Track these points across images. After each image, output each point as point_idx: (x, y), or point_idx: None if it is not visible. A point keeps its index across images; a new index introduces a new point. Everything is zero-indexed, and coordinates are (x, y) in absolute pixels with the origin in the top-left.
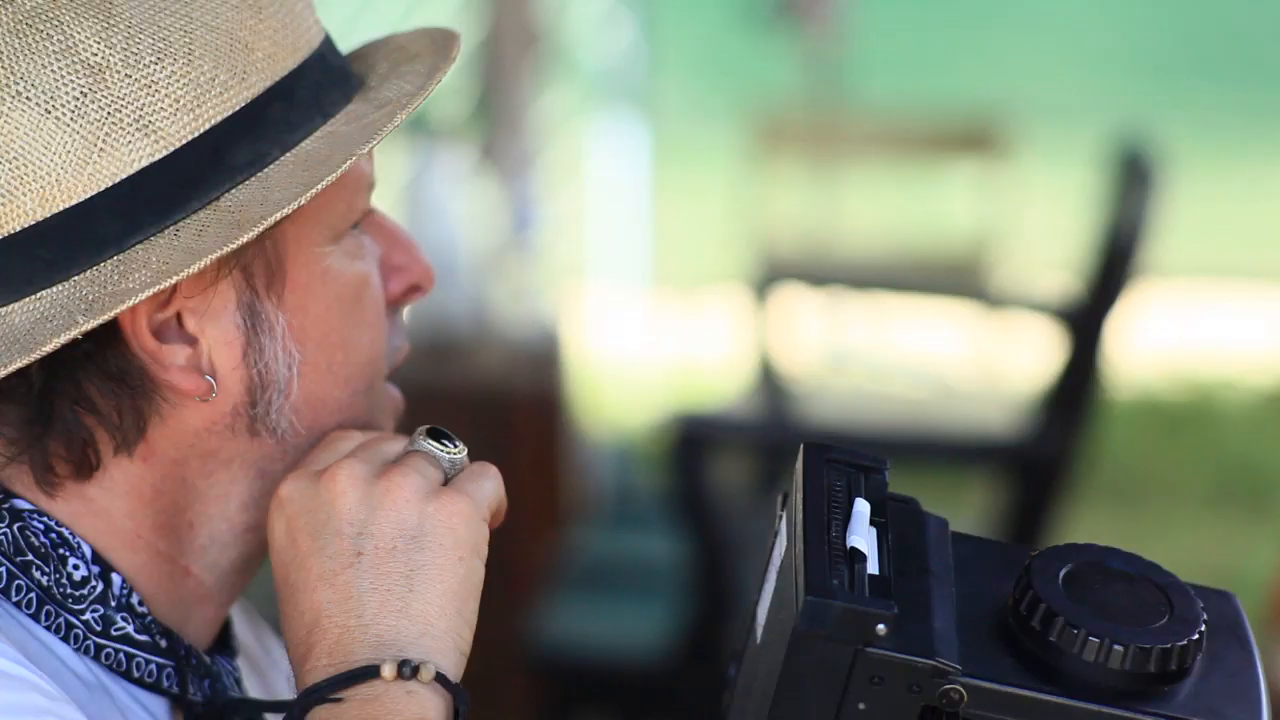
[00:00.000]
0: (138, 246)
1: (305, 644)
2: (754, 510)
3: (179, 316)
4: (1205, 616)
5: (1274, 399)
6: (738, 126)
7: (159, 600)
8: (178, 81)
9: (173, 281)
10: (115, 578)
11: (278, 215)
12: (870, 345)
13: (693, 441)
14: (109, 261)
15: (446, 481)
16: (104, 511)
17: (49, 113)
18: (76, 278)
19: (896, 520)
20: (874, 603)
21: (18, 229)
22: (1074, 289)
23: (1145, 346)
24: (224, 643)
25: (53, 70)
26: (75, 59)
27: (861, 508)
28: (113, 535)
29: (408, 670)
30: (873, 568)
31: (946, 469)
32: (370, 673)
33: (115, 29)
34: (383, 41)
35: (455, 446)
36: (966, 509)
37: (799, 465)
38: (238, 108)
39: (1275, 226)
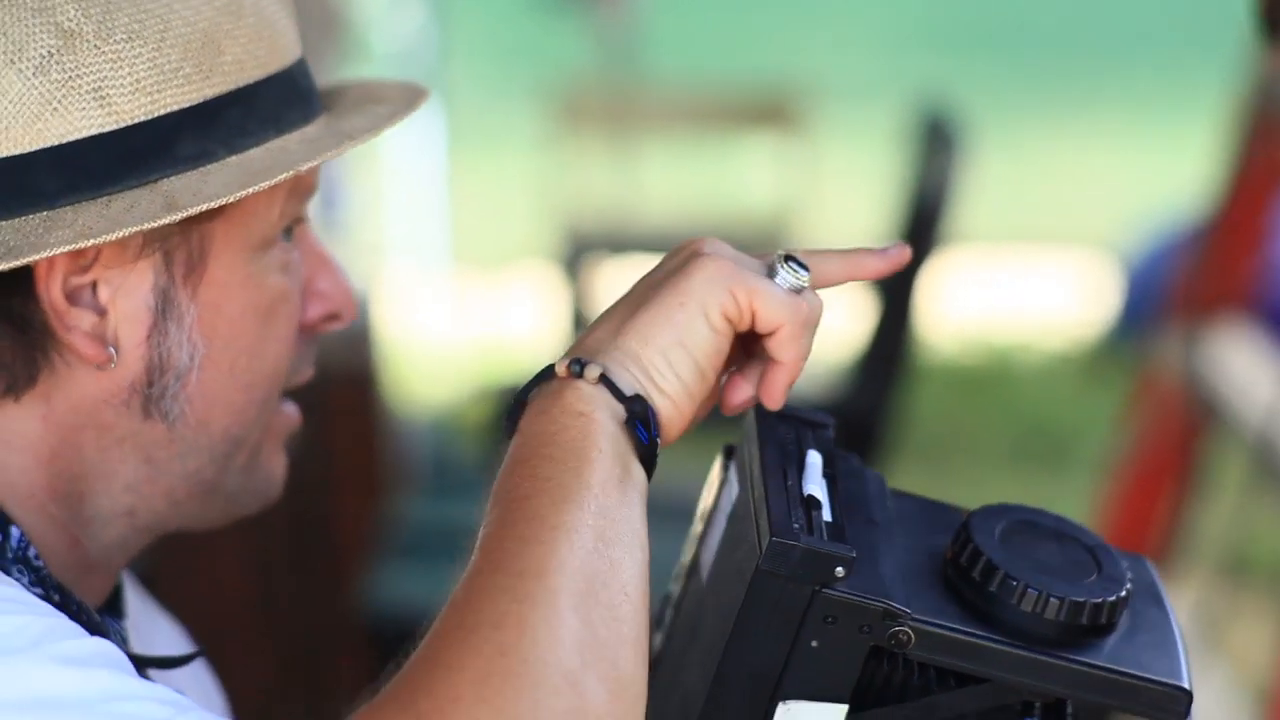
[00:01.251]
0: (67, 208)
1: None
2: None
3: (94, 285)
4: (1128, 574)
5: (1066, 360)
6: (534, 106)
7: (52, 560)
8: (143, 63)
9: (90, 243)
10: (13, 530)
11: (205, 206)
12: None
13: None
14: (37, 215)
15: None
16: (7, 463)
17: (13, 64)
18: (2, 224)
19: (842, 472)
20: (834, 546)
21: None
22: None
23: (946, 312)
24: (113, 605)
25: (26, 25)
26: (50, 20)
27: (815, 459)
28: (10, 490)
29: (577, 368)
30: (828, 515)
31: None
32: (549, 371)
33: (95, 1)
34: (359, 82)
35: (798, 274)
36: None
37: (751, 420)
38: (195, 102)
39: (1067, 194)
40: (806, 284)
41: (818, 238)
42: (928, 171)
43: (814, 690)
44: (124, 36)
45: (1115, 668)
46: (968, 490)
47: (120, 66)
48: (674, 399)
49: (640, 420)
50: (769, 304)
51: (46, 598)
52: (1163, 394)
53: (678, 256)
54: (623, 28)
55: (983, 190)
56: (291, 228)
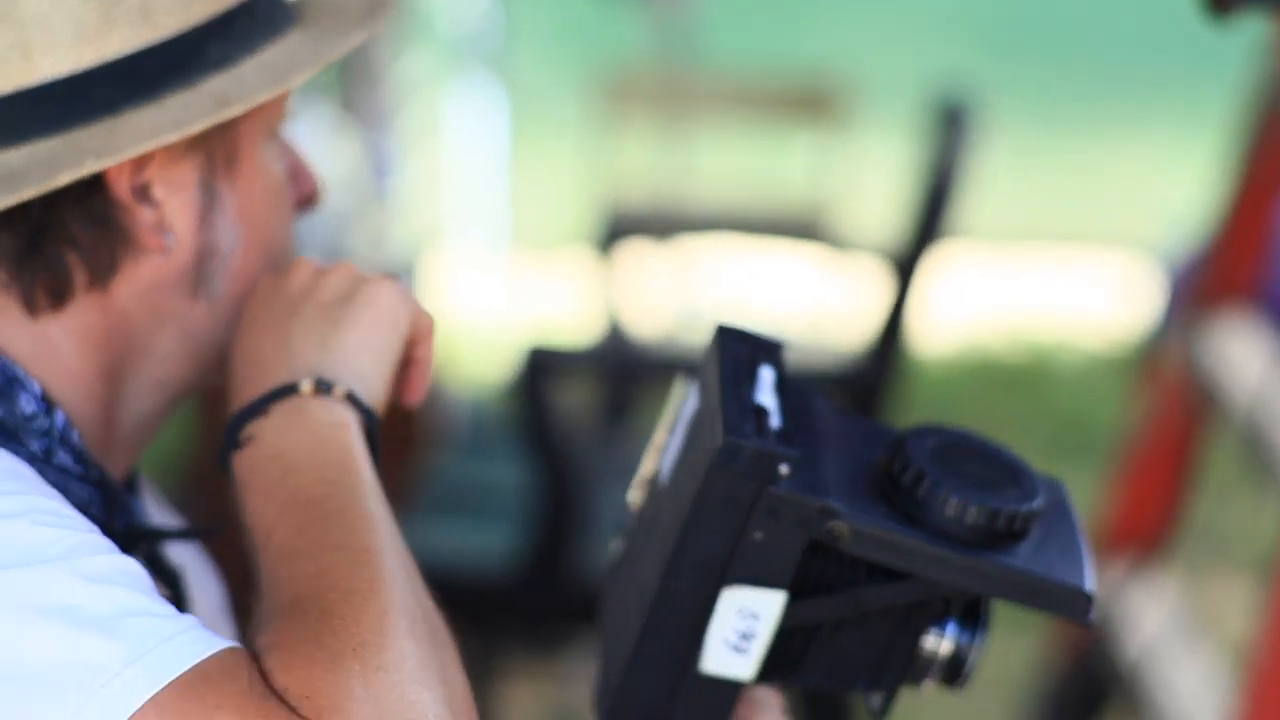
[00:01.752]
0: (130, 113)
1: (243, 382)
2: (599, 439)
3: (148, 185)
4: (1042, 492)
5: (1107, 360)
6: (591, 90)
7: (89, 440)
8: None
9: (163, 141)
10: (58, 414)
11: (252, 103)
12: (714, 299)
13: (541, 370)
14: (102, 123)
15: None
16: (58, 351)
17: None
18: (74, 132)
19: (792, 391)
20: (780, 447)
21: (31, 84)
22: (901, 232)
23: (983, 309)
24: (131, 484)
25: None
26: None
27: (767, 374)
28: (61, 375)
29: (324, 386)
30: (776, 422)
31: None
32: (291, 389)
33: None
34: None
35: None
36: None
37: (712, 342)
38: (216, 13)
39: (1111, 195)
40: None
41: (856, 225)
42: (939, 151)
43: (757, 578)
44: None
45: (1024, 569)
46: None
47: None
48: (381, 399)
49: (372, 424)
50: (429, 326)
51: (85, 474)
52: (1166, 384)
53: (338, 282)
54: (680, 16)
55: (1023, 187)
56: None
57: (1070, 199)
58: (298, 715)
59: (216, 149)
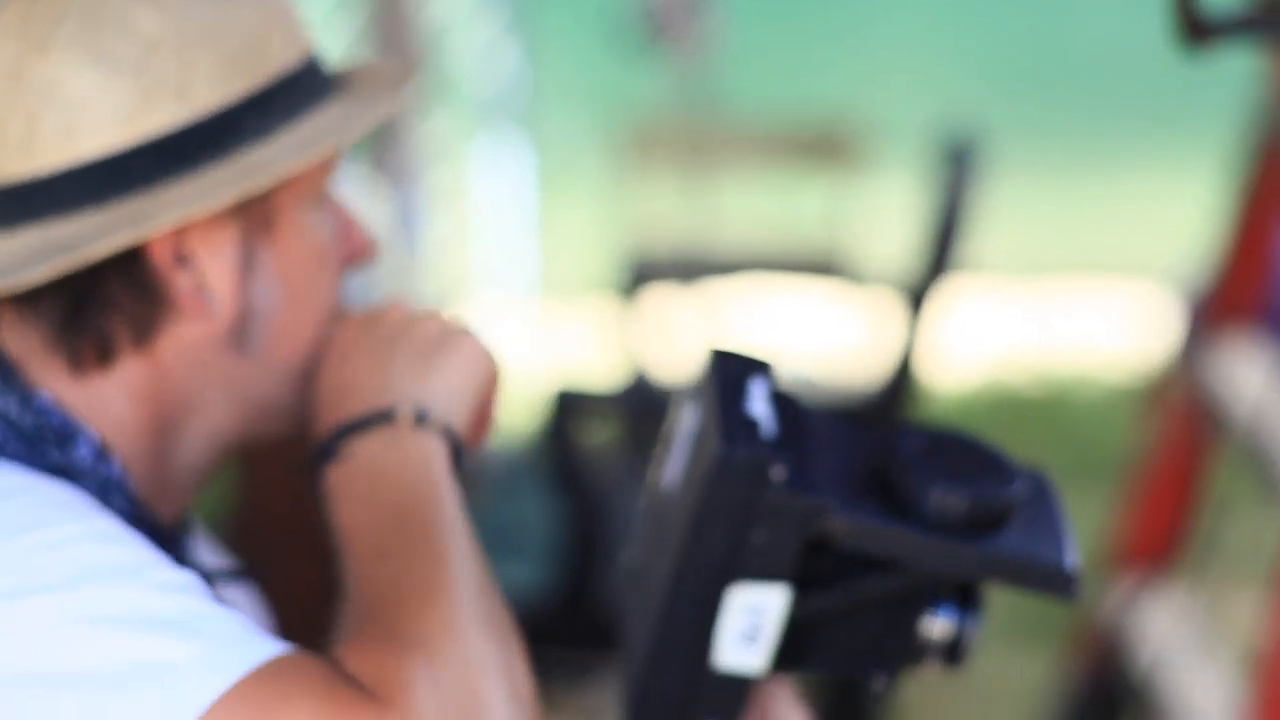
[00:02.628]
0: (167, 186)
1: (334, 404)
2: (622, 477)
3: (192, 250)
4: (1025, 483)
5: (1127, 391)
6: (614, 141)
7: (142, 487)
8: (212, 62)
9: (196, 211)
10: (115, 462)
11: (280, 174)
12: (736, 339)
13: (569, 412)
14: (141, 196)
15: None
16: (112, 406)
17: (110, 76)
18: (114, 205)
19: (784, 403)
20: (772, 453)
21: (74, 163)
22: (913, 267)
23: (1003, 344)
24: (183, 528)
25: (113, 40)
26: (136, 34)
27: (757, 389)
28: (116, 427)
29: (422, 416)
30: (770, 431)
31: None
32: (389, 415)
33: (168, 12)
34: (354, 66)
35: None
36: None
37: (709, 363)
38: (255, 87)
39: (1128, 226)
40: None
41: (872, 261)
42: (946, 193)
43: (760, 576)
44: (197, 40)
45: (1007, 552)
46: None
47: (196, 66)
48: (474, 439)
49: (461, 458)
50: (501, 370)
51: (138, 516)
52: (1173, 404)
53: (431, 328)
54: (698, 66)
55: (1039, 222)
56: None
57: (1084, 230)
58: (368, 697)
59: (254, 215)
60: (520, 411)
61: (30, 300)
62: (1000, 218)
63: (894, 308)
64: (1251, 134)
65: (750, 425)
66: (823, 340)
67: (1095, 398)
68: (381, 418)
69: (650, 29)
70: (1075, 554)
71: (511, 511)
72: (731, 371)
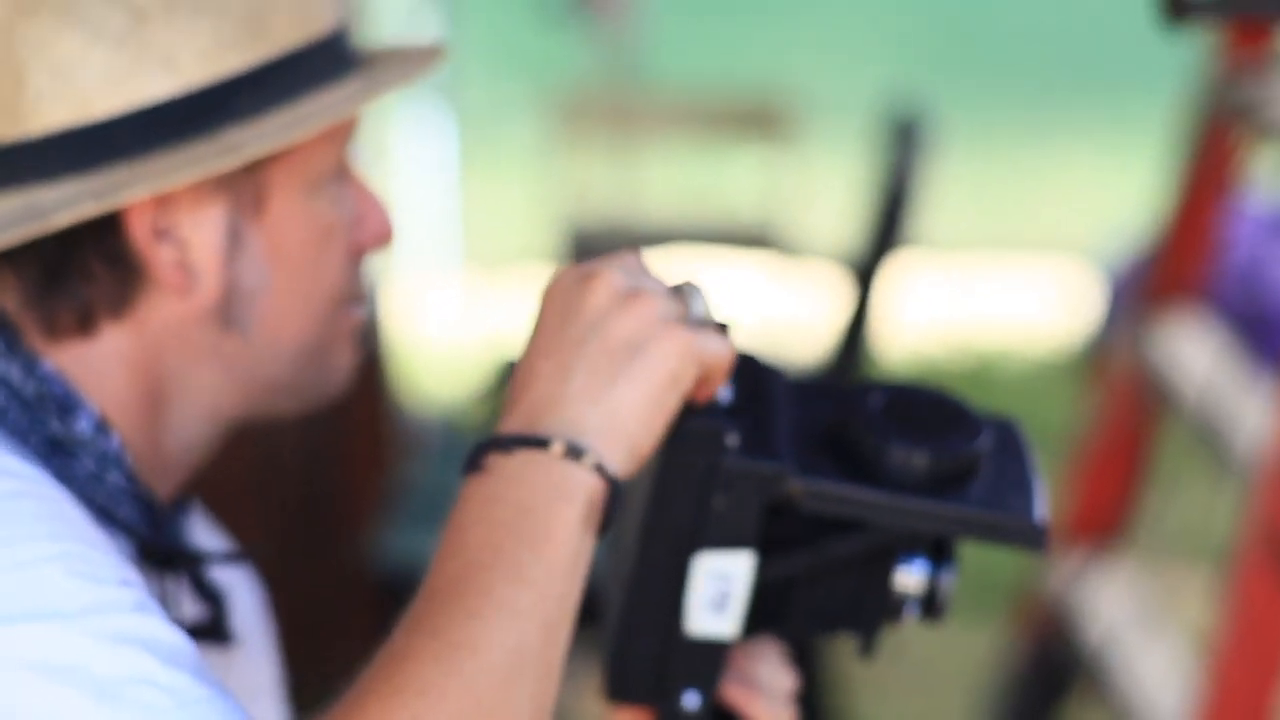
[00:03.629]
0: (150, 158)
1: (514, 399)
2: None
3: (176, 224)
4: (991, 435)
5: (1049, 366)
6: (540, 113)
7: (138, 460)
8: (204, 35)
9: (171, 186)
10: (114, 437)
11: (257, 153)
12: None
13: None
14: (123, 167)
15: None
16: (106, 378)
17: (95, 43)
18: (93, 175)
19: (742, 365)
20: (727, 423)
21: (58, 128)
22: (858, 241)
23: (928, 318)
24: (179, 507)
25: (103, 9)
26: (127, 2)
27: None
28: (111, 400)
29: (575, 452)
30: (724, 398)
31: None
32: (542, 443)
33: None
34: (392, 46)
35: (708, 309)
36: None
37: None
38: (249, 65)
39: (1049, 203)
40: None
41: (805, 239)
42: (894, 162)
43: (723, 542)
44: (188, 12)
45: (973, 508)
46: None
47: (185, 39)
48: (643, 455)
49: (611, 505)
50: (720, 370)
51: (134, 492)
52: (1116, 381)
53: (632, 325)
54: (624, 37)
55: (964, 198)
56: (344, 168)
57: (1011, 208)
58: None
59: (243, 193)
60: (451, 380)
61: (10, 263)
62: (929, 192)
63: (836, 282)
64: (1194, 110)
65: None
66: (758, 314)
67: (1020, 371)
68: (531, 443)
69: None
70: (1045, 505)
71: (453, 481)
72: None
